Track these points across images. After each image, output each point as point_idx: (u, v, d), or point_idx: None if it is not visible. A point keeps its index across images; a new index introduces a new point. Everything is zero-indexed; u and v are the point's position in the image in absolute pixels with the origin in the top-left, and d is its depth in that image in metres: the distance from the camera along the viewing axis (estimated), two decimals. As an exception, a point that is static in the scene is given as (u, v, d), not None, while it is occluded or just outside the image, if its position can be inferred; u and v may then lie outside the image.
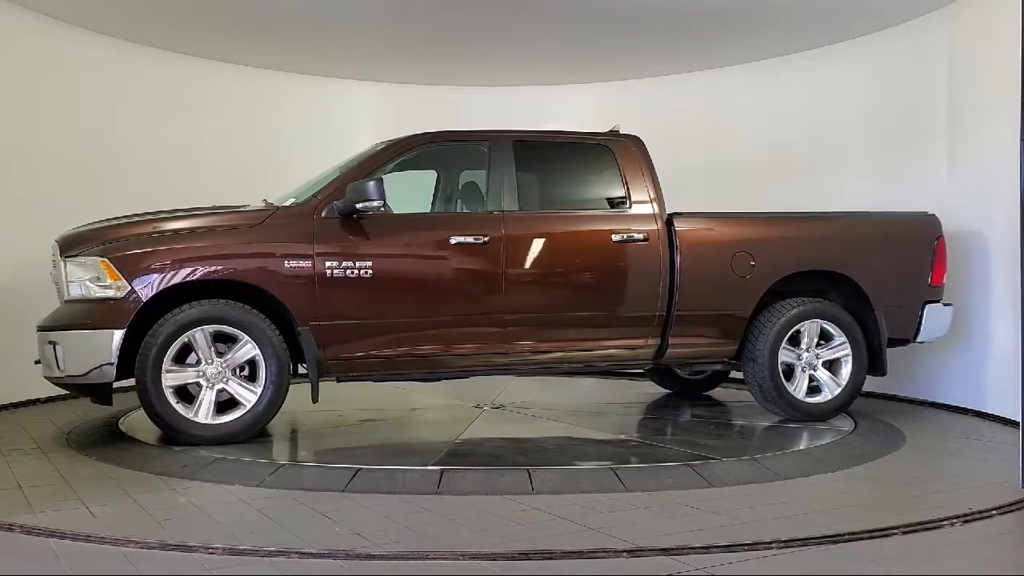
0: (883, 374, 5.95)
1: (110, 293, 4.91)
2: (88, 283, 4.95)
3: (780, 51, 7.81)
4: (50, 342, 4.98)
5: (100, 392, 5.10)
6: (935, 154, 6.76)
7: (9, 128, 6.69)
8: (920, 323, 5.95)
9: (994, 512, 3.84)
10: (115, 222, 5.30)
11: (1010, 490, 4.17)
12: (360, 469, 4.42)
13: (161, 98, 7.77)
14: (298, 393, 7.47)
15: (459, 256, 5.34)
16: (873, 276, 5.88)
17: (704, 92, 8.44)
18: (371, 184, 5.02)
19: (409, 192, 6.06)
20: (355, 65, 8.34)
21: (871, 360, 5.89)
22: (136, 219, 5.31)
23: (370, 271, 5.15)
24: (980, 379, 6.28)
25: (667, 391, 7.24)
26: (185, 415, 4.96)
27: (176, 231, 5.11)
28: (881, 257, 5.94)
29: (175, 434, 4.97)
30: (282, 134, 8.34)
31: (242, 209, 5.38)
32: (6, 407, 6.56)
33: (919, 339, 6.01)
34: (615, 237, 5.51)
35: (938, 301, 6.04)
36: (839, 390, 5.80)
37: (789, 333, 5.72)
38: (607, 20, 7.04)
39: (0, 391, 6.56)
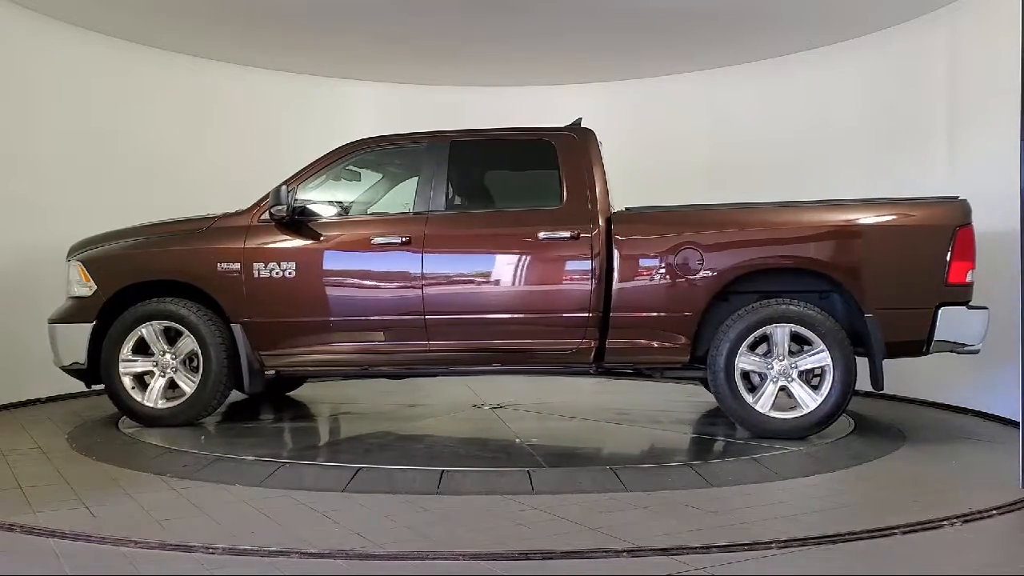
0: (880, 388, 5.22)
1: (85, 292, 5.61)
2: (76, 284, 5.67)
3: (780, 51, 7.81)
4: (51, 335, 5.67)
5: (80, 375, 5.69)
6: (935, 154, 6.76)
7: (9, 128, 6.68)
8: (932, 329, 5.14)
9: (994, 512, 3.84)
10: (108, 231, 5.81)
11: (1010, 490, 4.17)
12: (360, 469, 4.42)
13: (161, 98, 7.77)
14: (300, 390, 7.43)
15: (380, 257, 5.42)
16: (861, 273, 5.18)
17: (704, 92, 8.43)
18: (280, 189, 5.35)
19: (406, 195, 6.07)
20: (355, 65, 8.35)
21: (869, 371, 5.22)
22: (125, 228, 5.79)
23: (293, 272, 5.42)
24: (977, 378, 6.27)
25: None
26: (138, 399, 5.51)
27: (139, 237, 5.68)
28: (873, 251, 5.20)
29: (129, 415, 5.59)
30: (281, 134, 8.32)
31: (196, 217, 5.75)
32: (6, 407, 6.56)
33: (946, 342, 5.17)
34: (541, 235, 5.32)
35: (962, 303, 5.19)
36: (815, 405, 5.11)
37: (751, 338, 5.18)
38: (607, 20, 7.04)
39: (0, 391, 6.57)
